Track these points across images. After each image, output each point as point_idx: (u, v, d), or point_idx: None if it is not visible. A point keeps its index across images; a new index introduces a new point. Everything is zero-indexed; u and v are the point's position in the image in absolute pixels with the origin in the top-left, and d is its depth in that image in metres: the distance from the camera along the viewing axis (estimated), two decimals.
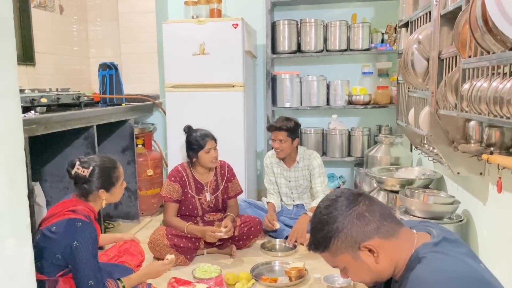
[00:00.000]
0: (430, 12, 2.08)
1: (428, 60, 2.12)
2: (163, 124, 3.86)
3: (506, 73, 1.38)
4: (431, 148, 2.48)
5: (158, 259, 2.60)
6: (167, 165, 3.78)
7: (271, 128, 3.12)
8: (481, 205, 2.08)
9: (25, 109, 2.41)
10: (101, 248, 2.43)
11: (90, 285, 1.74)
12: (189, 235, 2.74)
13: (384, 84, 3.75)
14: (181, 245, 2.71)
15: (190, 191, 2.89)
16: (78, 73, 3.93)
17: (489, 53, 1.45)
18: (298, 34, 3.73)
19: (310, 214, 2.94)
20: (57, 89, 2.93)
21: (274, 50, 3.76)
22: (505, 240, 1.84)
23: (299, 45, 3.74)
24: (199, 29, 3.36)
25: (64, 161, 2.08)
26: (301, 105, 3.78)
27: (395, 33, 3.55)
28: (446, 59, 1.95)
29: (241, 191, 3.09)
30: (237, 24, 3.30)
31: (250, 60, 3.69)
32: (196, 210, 2.91)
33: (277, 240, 3.03)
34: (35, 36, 3.28)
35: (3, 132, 0.85)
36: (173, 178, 2.87)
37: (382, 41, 3.66)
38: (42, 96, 2.55)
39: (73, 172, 1.89)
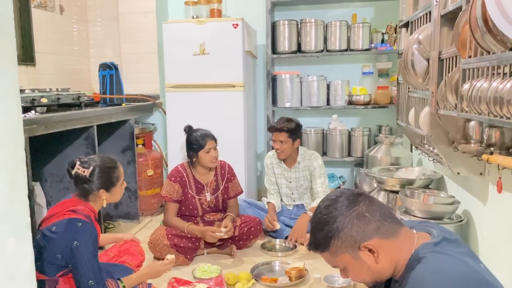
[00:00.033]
0: (430, 12, 2.08)
1: (428, 60, 2.12)
2: (163, 124, 3.86)
3: (506, 73, 1.38)
4: (431, 148, 2.48)
5: (158, 259, 2.60)
6: (167, 165, 3.78)
7: (272, 129, 3.11)
8: (481, 205, 2.09)
9: (26, 109, 2.41)
10: (101, 248, 2.43)
11: (90, 285, 1.74)
12: (189, 235, 2.74)
13: (384, 84, 3.75)
14: (181, 245, 2.71)
15: (190, 191, 2.89)
16: (78, 73, 3.93)
17: (489, 53, 1.45)
18: (298, 34, 3.73)
19: (310, 213, 2.94)
20: (57, 89, 2.93)
21: (274, 50, 3.76)
22: (505, 240, 1.84)
23: (299, 45, 3.74)
24: (199, 29, 3.37)
25: (64, 161, 2.08)
26: (301, 105, 3.78)
27: (395, 33, 3.55)
28: (446, 59, 1.95)
29: (241, 191, 3.09)
30: (237, 24, 3.30)
31: (250, 60, 3.69)
32: (196, 210, 2.91)
33: (277, 240, 3.03)
34: (35, 36, 3.28)
35: (3, 132, 0.85)
36: (173, 178, 2.87)
37: (382, 41, 3.66)
38: (42, 96, 2.55)
39: (73, 172, 1.90)
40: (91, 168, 1.90)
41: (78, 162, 1.91)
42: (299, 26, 3.72)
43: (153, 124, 3.94)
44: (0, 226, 0.84)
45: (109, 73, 3.59)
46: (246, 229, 2.89)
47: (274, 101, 3.81)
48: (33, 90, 2.67)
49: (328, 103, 3.78)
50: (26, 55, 3.26)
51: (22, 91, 2.55)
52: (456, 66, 1.83)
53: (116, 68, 3.62)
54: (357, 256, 1.14)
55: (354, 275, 1.19)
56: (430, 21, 2.10)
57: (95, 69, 3.74)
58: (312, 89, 3.73)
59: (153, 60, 3.86)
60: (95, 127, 2.87)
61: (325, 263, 1.24)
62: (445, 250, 1.08)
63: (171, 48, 3.43)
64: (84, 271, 1.74)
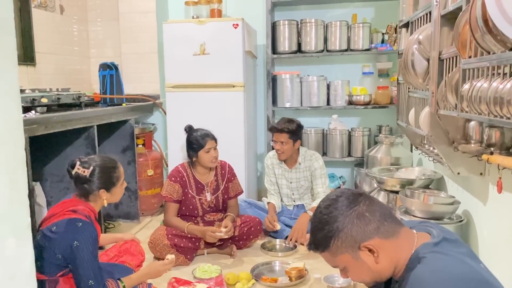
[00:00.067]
0: (430, 13, 2.08)
1: (428, 61, 2.12)
2: (163, 124, 3.86)
3: (506, 74, 1.38)
4: (431, 148, 2.48)
5: (159, 259, 2.60)
6: (167, 165, 3.78)
7: (272, 129, 3.10)
8: (481, 205, 2.09)
9: (26, 109, 2.41)
10: (101, 248, 2.43)
11: (91, 285, 1.74)
12: (189, 235, 2.75)
13: (384, 84, 3.75)
14: (181, 245, 2.71)
15: (190, 191, 2.89)
16: (78, 73, 3.94)
17: (489, 53, 1.45)
18: (299, 34, 3.73)
19: (311, 213, 2.94)
20: (57, 89, 2.93)
21: (274, 50, 3.76)
22: (505, 240, 1.84)
23: (299, 45, 3.74)
24: (199, 29, 3.37)
25: (65, 161, 2.09)
26: (302, 105, 3.78)
27: (396, 33, 3.55)
28: (446, 59, 1.95)
29: (242, 191, 3.09)
30: (237, 24, 3.31)
31: (251, 60, 3.69)
32: (197, 210, 2.91)
33: (277, 240, 3.03)
34: (35, 36, 3.28)
35: (4, 132, 0.85)
36: (173, 178, 2.87)
37: (383, 41, 3.66)
38: (42, 96, 2.55)
39: (73, 172, 1.90)
40: (91, 168, 1.90)
41: (78, 162, 1.91)
42: (299, 26, 3.72)
43: (153, 124, 3.94)
44: (0, 226, 0.85)
45: (109, 73, 3.59)
46: (246, 229, 2.89)
47: (274, 101, 3.81)
48: (33, 90, 2.67)
49: (328, 103, 3.78)
50: (27, 55, 3.27)
51: (22, 91, 2.56)
52: (456, 66, 1.83)
53: (116, 68, 3.62)
54: (357, 256, 1.14)
55: (354, 275, 1.19)
56: (430, 21, 2.10)
57: (95, 69, 3.74)
58: (312, 89, 3.73)
59: (153, 60, 3.86)
60: (95, 127, 2.87)
61: (325, 263, 1.24)
62: (445, 250, 1.08)
63: (171, 48, 3.43)
64: (84, 271, 1.74)
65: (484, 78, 1.51)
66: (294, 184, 3.20)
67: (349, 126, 3.83)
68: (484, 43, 1.43)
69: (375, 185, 3.08)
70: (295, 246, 2.89)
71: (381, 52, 3.65)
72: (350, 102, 3.76)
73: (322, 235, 1.16)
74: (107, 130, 3.28)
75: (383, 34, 3.67)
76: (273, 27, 3.72)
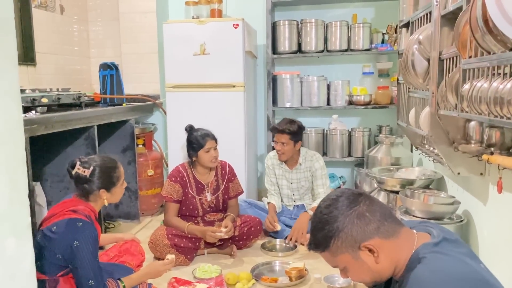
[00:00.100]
0: (430, 13, 2.08)
1: (428, 61, 2.12)
2: (163, 124, 3.86)
3: (506, 74, 1.38)
4: (431, 148, 2.48)
5: (159, 259, 2.60)
6: (167, 165, 3.78)
7: (274, 130, 3.10)
8: (482, 206, 2.09)
9: (26, 109, 2.41)
10: (101, 248, 2.43)
11: (91, 285, 1.74)
12: (189, 235, 2.75)
13: (384, 84, 3.75)
14: (182, 245, 2.71)
15: (190, 191, 2.89)
16: (78, 73, 3.94)
17: (489, 53, 1.45)
18: (299, 34, 3.73)
19: (311, 212, 2.94)
20: (57, 89, 2.93)
21: (274, 50, 3.76)
22: (505, 240, 1.84)
23: (299, 45, 3.74)
24: (199, 29, 3.37)
25: (65, 161, 2.09)
26: (302, 105, 3.78)
27: (396, 33, 3.55)
28: (446, 59, 1.95)
29: (242, 191, 3.09)
30: (237, 24, 3.31)
31: (251, 60, 3.69)
32: (197, 210, 2.91)
33: (278, 240, 3.02)
34: (35, 36, 3.28)
35: (4, 132, 0.85)
36: (173, 178, 2.87)
37: (383, 41, 3.66)
38: (42, 96, 2.55)
39: (73, 172, 1.90)
40: (92, 168, 1.90)
41: (78, 162, 1.91)
42: (300, 26, 3.72)
43: (153, 124, 3.94)
44: (1, 226, 0.85)
45: (110, 73, 3.59)
46: (246, 229, 2.89)
47: (274, 101, 3.81)
48: (33, 90, 2.68)
49: (328, 103, 3.78)
50: (27, 55, 3.27)
51: (22, 91, 2.55)
52: (456, 66, 1.83)
53: (116, 68, 3.62)
54: (357, 256, 1.14)
55: (354, 275, 1.19)
56: (430, 21, 2.10)
57: (96, 69, 3.75)
58: (312, 89, 3.73)
59: (153, 60, 3.86)
60: (96, 127, 2.87)
61: (325, 263, 1.24)
62: (445, 250, 1.08)
63: (171, 48, 3.43)
64: (84, 271, 1.74)
65: (484, 78, 1.51)
66: (295, 184, 3.20)
67: (349, 126, 3.83)
68: (484, 43, 1.43)
69: (375, 185, 3.08)
70: (295, 246, 2.89)
71: (381, 52, 3.65)
72: (350, 102, 3.76)
73: (322, 234, 1.16)
74: (107, 130, 3.28)
75: (383, 34, 3.67)
76: (273, 27, 3.72)
